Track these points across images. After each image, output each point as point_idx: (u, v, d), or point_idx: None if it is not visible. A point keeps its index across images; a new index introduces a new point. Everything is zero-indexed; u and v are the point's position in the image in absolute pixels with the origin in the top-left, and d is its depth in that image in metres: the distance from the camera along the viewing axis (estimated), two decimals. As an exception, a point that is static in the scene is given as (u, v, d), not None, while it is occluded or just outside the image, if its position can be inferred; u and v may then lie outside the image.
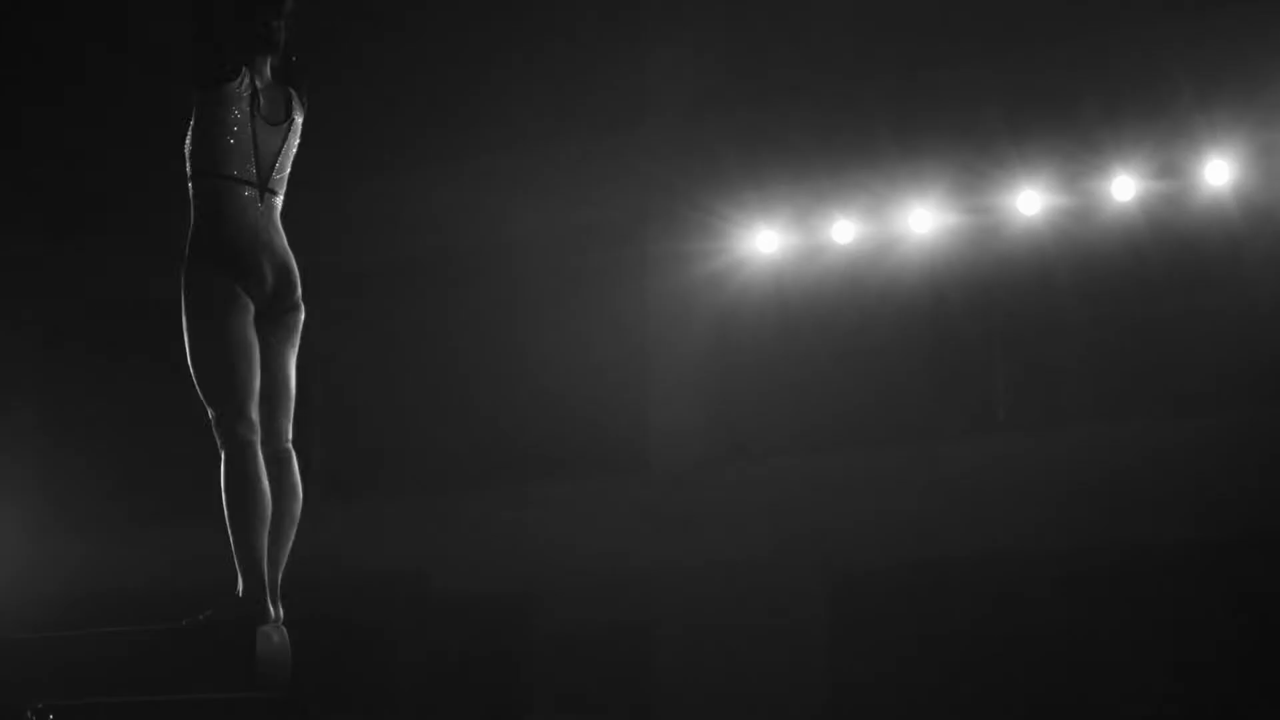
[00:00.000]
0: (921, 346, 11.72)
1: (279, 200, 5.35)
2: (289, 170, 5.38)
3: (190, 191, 5.30)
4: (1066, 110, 11.11)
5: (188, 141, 5.30)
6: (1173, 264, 11.05)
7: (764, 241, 12.05)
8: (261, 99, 5.31)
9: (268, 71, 5.36)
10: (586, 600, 11.94)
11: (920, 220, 11.65)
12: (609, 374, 12.31)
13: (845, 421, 11.79)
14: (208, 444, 5.20)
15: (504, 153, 12.40)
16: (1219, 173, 10.88)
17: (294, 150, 5.42)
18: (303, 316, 5.33)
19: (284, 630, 5.15)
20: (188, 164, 5.30)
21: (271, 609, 5.16)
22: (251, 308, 5.21)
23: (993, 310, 11.56)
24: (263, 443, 5.22)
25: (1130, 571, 10.76)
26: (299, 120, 5.41)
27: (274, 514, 5.21)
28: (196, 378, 5.21)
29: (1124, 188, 11.10)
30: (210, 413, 5.20)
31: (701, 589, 11.71)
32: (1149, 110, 10.90)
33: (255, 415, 5.20)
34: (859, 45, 11.39)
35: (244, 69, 5.25)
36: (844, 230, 11.88)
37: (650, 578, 11.81)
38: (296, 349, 5.36)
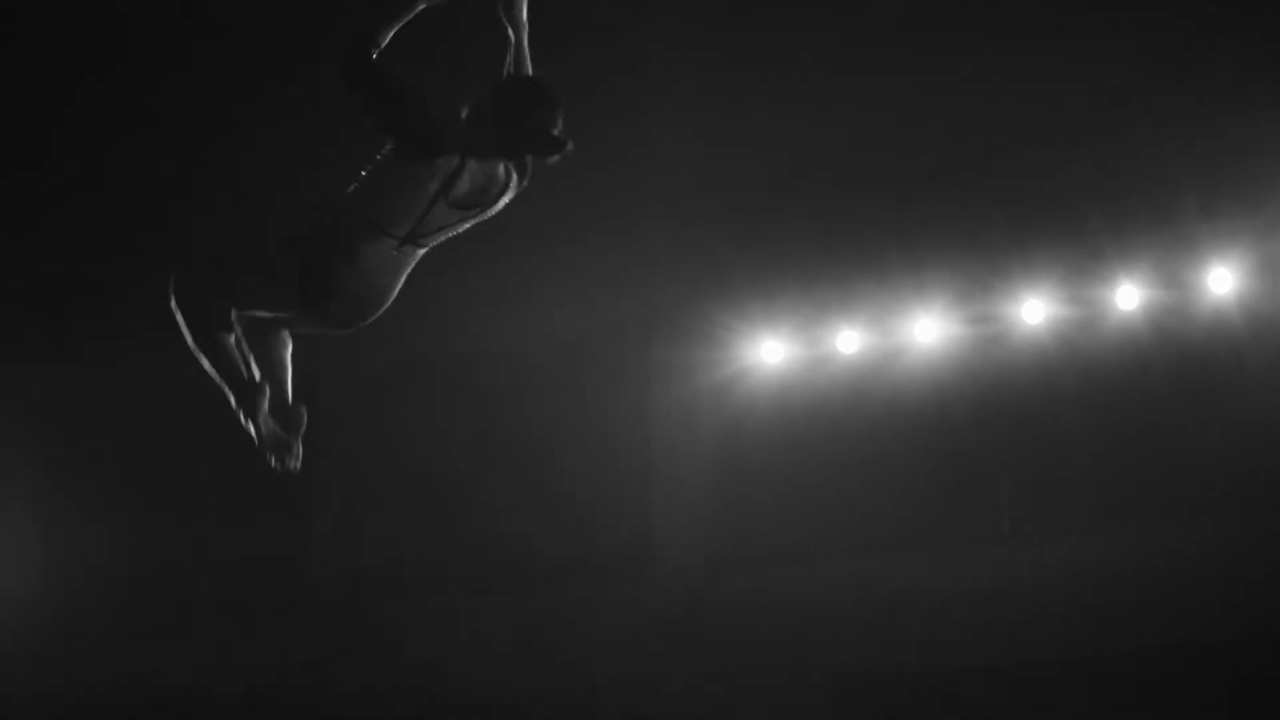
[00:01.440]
0: (926, 456, 11.71)
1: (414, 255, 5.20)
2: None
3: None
4: (1070, 219, 11.18)
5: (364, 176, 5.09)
6: (1177, 373, 11.07)
7: (769, 351, 12.08)
8: (463, 181, 5.11)
9: (491, 164, 5.15)
10: (590, 707, 11.85)
11: (925, 330, 11.69)
12: (613, 482, 12.29)
13: (850, 530, 11.76)
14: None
15: (505, 259, 12.45)
16: (1223, 282, 10.93)
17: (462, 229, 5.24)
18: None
19: None
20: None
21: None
22: None
23: (997, 419, 11.56)
24: None
25: (1138, 678, 10.69)
26: (491, 212, 5.26)
27: None
28: None
29: (1128, 297, 11.16)
30: None
31: (705, 694, 11.62)
32: (1153, 219, 10.97)
33: None
34: (863, 155, 11.48)
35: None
36: (849, 340, 11.92)
37: (654, 683, 11.73)
38: None
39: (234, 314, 5.13)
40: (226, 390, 5.15)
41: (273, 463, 5.22)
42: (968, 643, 11.15)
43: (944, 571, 11.39)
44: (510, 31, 5.43)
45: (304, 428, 5.30)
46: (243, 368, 5.15)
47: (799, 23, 10.24)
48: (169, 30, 10.51)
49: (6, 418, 13.80)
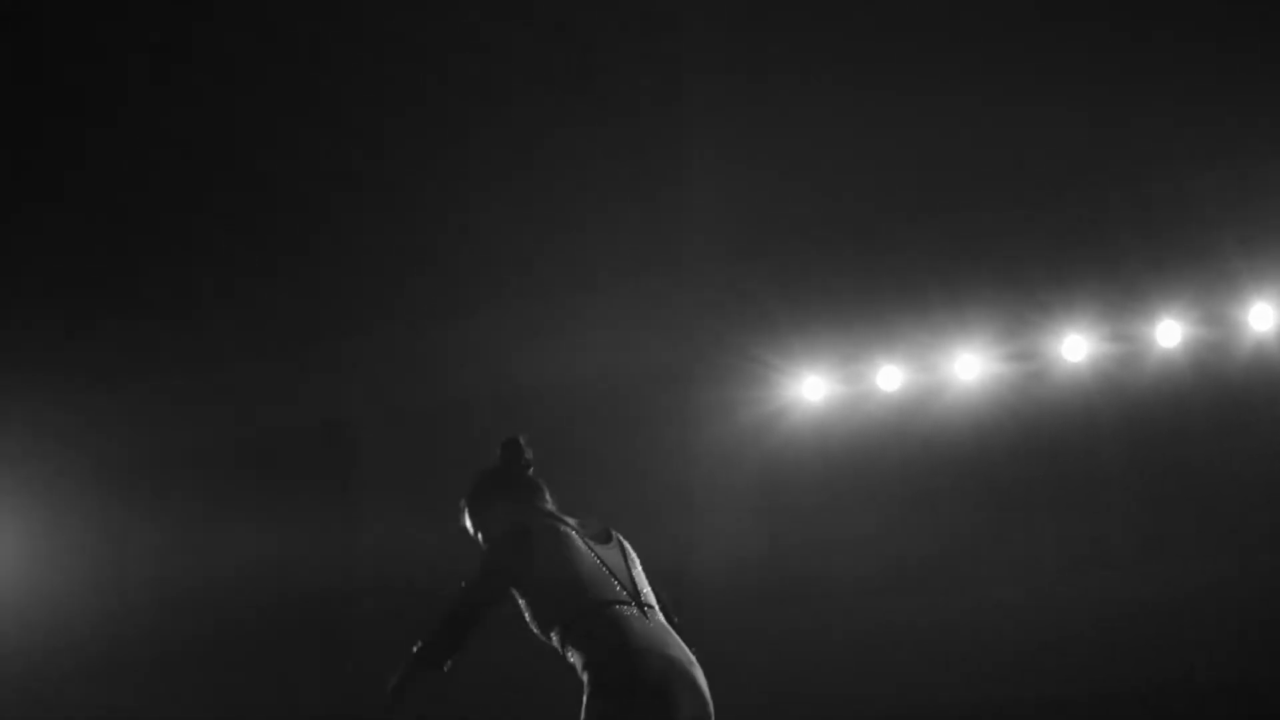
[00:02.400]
0: (967, 492, 11.70)
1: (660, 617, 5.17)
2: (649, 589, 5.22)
3: (561, 638, 5.12)
4: (1111, 255, 11.19)
5: (523, 601, 5.17)
6: (1217, 409, 11.05)
7: (810, 388, 12.10)
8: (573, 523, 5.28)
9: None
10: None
11: (966, 367, 11.69)
12: (654, 519, 12.29)
13: (890, 567, 11.75)
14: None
15: (544, 299, 12.52)
16: (1264, 318, 10.91)
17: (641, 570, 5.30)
18: None
19: None
20: (542, 617, 5.14)
21: None
22: None
23: (1038, 456, 11.55)
24: None
25: (1180, 713, 10.65)
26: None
27: None
28: None
29: (1169, 333, 11.14)
30: None
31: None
32: (1193, 255, 10.97)
33: None
34: (903, 191, 11.51)
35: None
36: (890, 377, 11.93)
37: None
38: None
39: None
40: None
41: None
42: (1008, 678, 11.12)
43: (985, 608, 11.38)
44: None
45: None
46: None
47: (839, 59, 10.28)
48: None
49: (59, 430, 13.89)
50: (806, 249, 12.13)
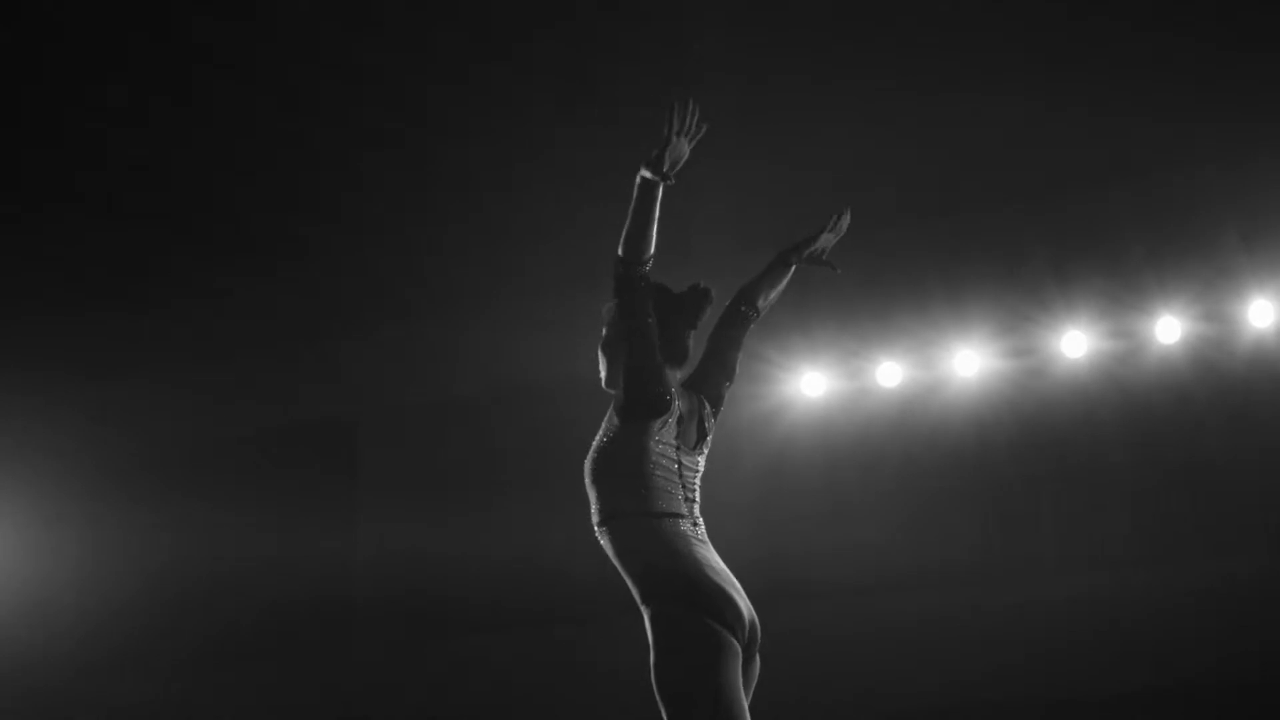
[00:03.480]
0: (967, 488, 11.71)
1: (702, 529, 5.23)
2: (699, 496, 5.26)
3: (615, 533, 5.16)
4: (1111, 252, 11.19)
5: (601, 469, 5.20)
6: (1217, 405, 11.05)
7: (810, 384, 12.11)
8: (685, 423, 5.28)
9: (688, 397, 5.32)
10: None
11: (966, 363, 11.70)
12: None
13: (891, 562, 11.76)
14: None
15: (544, 296, 12.52)
16: (1263, 314, 10.92)
17: (702, 473, 5.32)
18: (758, 667, 5.10)
19: None
20: (609, 499, 5.17)
21: None
22: (740, 654, 4.98)
23: (1038, 452, 11.56)
24: None
25: (1183, 712, 10.65)
26: (709, 444, 5.36)
27: None
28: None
29: (1169, 329, 11.14)
30: None
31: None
32: (1193, 252, 10.97)
33: None
34: (903, 189, 11.51)
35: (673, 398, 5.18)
36: (890, 373, 11.93)
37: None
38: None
39: None
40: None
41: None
42: (1009, 675, 11.13)
43: (985, 604, 11.39)
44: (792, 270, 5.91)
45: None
46: None
47: (839, 57, 10.26)
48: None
49: (57, 430, 13.90)
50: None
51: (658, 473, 5.16)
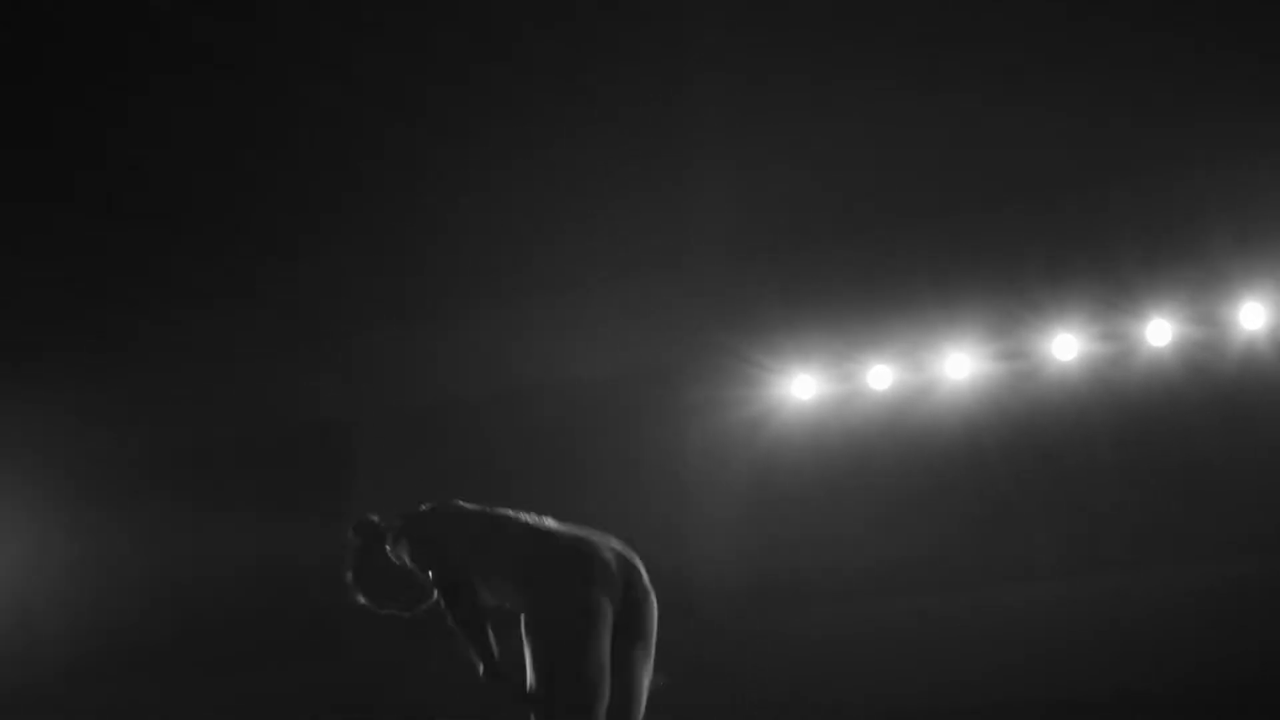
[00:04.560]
0: (958, 491, 11.71)
1: None
2: None
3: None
4: (1102, 254, 11.21)
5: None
6: (1209, 407, 11.07)
7: (800, 387, 12.11)
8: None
9: None
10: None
11: (957, 365, 11.71)
12: (646, 520, 12.26)
13: (882, 566, 11.76)
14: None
15: (535, 299, 12.53)
16: (1255, 316, 10.94)
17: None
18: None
19: None
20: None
21: None
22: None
23: (1029, 455, 11.57)
24: None
25: (1174, 716, 10.67)
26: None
27: None
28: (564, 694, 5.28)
29: (1160, 332, 11.16)
30: None
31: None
32: (1184, 254, 10.99)
33: None
34: (893, 190, 11.53)
35: None
36: (881, 376, 11.94)
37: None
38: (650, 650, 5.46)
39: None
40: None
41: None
42: (999, 680, 11.13)
43: (977, 607, 11.39)
44: None
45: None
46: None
47: (832, 60, 10.29)
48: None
49: (42, 425, 13.83)
50: (797, 247, 12.13)
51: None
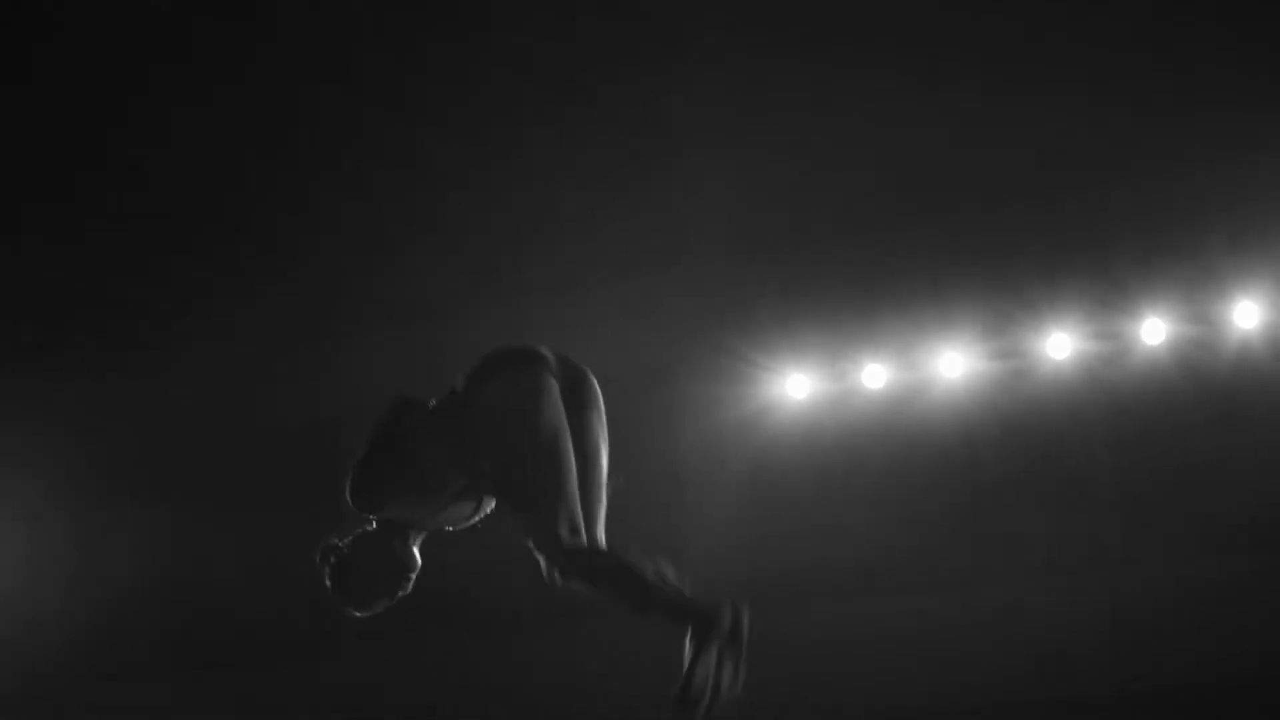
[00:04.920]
0: (953, 490, 11.75)
1: None
2: None
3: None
4: (1096, 254, 11.25)
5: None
6: (1203, 406, 11.12)
7: (794, 386, 12.13)
8: None
9: None
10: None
11: (951, 364, 11.74)
12: (640, 518, 12.27)
13: (877, 565, 11.79)
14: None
15: (532, 298, 12.52)
16: (1249, 315, 11.00)
17: None
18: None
19: None
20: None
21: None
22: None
23: (1024, 454, 11.61)
24: None
25: (1171, 715, 10.71)
26: None
27: None
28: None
29: (1154, 330, 11.21)
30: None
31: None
32: (1179, 253, 11.04)
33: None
34: (887, 189, 11.55)
35: None
36: (875, 375, 11.97)
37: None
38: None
39: None
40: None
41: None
42: (995, 680, 11.17)
43: (971, 607, 11.42)
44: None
45: None
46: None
47: (828, 59, 10.30)
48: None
49: (45, 426, 13.80)
50: (791, 246, 12.14)
51: None
